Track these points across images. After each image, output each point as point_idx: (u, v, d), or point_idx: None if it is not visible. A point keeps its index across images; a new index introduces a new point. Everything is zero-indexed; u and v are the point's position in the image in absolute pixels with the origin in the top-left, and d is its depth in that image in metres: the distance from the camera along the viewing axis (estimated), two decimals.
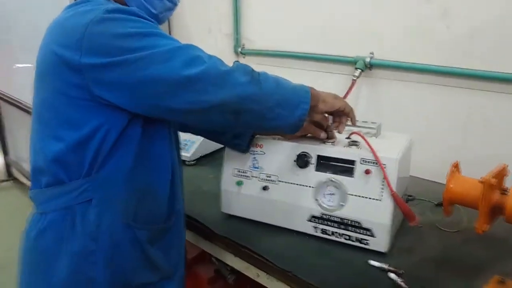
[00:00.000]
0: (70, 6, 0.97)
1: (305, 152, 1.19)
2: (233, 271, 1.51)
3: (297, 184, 1.20)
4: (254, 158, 1.26)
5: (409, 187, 1.41)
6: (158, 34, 0.91)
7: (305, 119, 1.04)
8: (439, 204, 1.38)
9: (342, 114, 1.13)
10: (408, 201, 1.32)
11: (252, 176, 1.26)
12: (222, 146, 1.67)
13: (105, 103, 0.91)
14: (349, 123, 1.16)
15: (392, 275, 1.03)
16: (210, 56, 0.93)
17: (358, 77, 1.74)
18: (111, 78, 0.88)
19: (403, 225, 1.24)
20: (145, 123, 0.99)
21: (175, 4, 1.09)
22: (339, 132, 1.16)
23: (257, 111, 0.98)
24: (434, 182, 1.55)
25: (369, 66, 1.73)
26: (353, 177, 1.13)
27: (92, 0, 0.96)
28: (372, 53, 1.73)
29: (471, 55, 1.48)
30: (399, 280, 1.01)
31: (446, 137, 1.58)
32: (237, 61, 0.95)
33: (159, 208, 1.08)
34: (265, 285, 1.19)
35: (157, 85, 0.89)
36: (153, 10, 1.04)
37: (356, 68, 1.74)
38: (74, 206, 0.97)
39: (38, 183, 1.02)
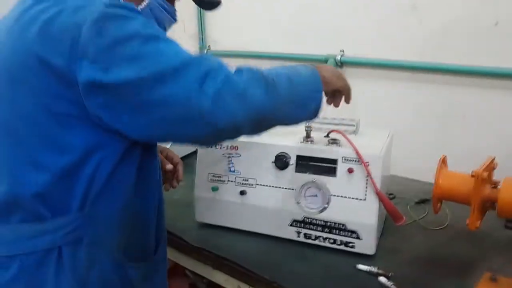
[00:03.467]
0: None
1: (284, 153, 1.12)
2: (210, 284, 1.43)
3: (276, 187, 1.13)
4: (230, 161, 1.18)
5: (391, 186, 1.38)
6: (159, 38, 0.75)
7: (320, 110, 0.94)
8: (420, 202, 1.35)
9: (338, 95, 1.06)
10: (391, 200, 1.28)
11: (228, 181, 1.18)
12: (193, 151, 1.59)
13: (100, 123, 0.75)
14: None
15: (381, 279, 0.98)
16: (219, 68, 0.76)
17: None
18: (108, 99, 0.72)
19: (386, 225, 1.20)
20: (144, 146, 0.86)
21: (175, 21, 0.98)
22: (335, 106, 1.07)
23: (278, 118, 0.88)
24: (413, 179, 1.53)
25: (339, 64, 1.69)
26: (335, 176, 1.07)
27: None
28: (342, 51, 1.69)
29: (444, 49, 1.47)
30: (389, 284, 0.96)
31: (423, 133, 1.56)
32: (240, 68, 0.81)
33: (148, 240, 0.95)
34: None
35: (161, 111, 0.73)
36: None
37: None
38: (60, 247, 0.79)
39: (5, 218, 0.80)
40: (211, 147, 1.18)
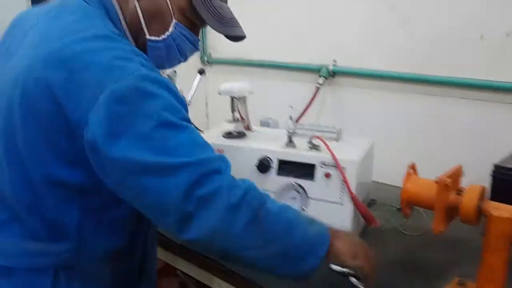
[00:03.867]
0: (88, 38, 0.76)
1: (266, 157, 1.17)
2: (199, 284, 1.47)
3: None
4: None
5: (373, 192, 1.42)
6: (178, 126, 0.75)
7: (316, 269, 0.81)
8: (401, 209, 1.38)
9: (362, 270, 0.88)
10: (370, 206, 1.32)
11: None
12: None
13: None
14: None
15: (353, 279, 1.01)
16: (212, 184, 0.74)
17: (322, 84, 1.75)
18: (103, 164, 0.74)
19: (366, 230, 1.24)
20: None
21: (197, 50, 0.97)
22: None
23: (250, 259, 0.79)
24: (397, 187, 1.56)
25: (332, 74, 1.74)
26: (313, 180, 1.12)
27: (115, 36, 0.79)
28: (335, 61, 1.74)
29: (431, 61, 1.51)
30: (359, 285, 0.99)
31: (408, 142, 1.60)
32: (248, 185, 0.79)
33: (131, 269, 0.97)
34: None
35: (151, 199, 0.74)
36: (181, 59, 0.93)
37: (320, 76, 1.75)
38: (55, 269, 0.83)
39: (10, 233, 0.84)
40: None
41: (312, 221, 0.83)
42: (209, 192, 0.73)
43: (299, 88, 1.85)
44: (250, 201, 0.76)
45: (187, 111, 0.79)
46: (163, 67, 0.97)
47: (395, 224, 1.29)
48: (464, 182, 0.97)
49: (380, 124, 1.66)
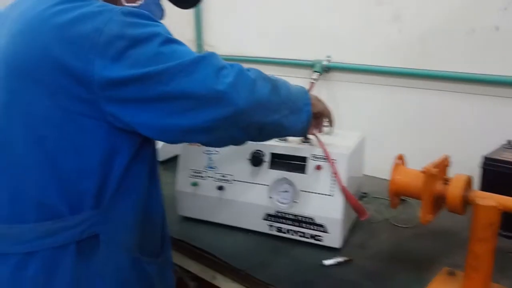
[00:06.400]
0: (57, 2, 0.78)
1: (259, 151, 1.19)
2: (196, 278, 1.49)
3: (251, 183, 1.20)
4: (209, 158, 1.25)
5: (366, 186, 1.44)
6: (176, 41, 0.81)
7: (311, 120, 1.02)
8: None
9: (319, 116, 1.11)
10: (362, 199, 1.34)
11: (207, 177, 1.25)
12: (176, 154, 1.63)
13: (116, 123, 0.79)
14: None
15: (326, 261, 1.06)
16: (232, 64, 0.84)
17: (316, 80, 1.76)
18: (128, 94, 0.76)
19: (358, 223, 1.26)
20: (154, 147, 0.91)
21: (163, 17, 1.03)
22: (319, 132, 1.14)
23: (277, 121, 0.93)
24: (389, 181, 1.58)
25: (326, 69, 1.76)
26: (305, 173, 1.13)
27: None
28: (329, 56, 1.76)
29: (423, 56, 1.52)
30: (332, 261, 1.05)
31: (401, 136, 1.61)
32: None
33: (155, 235, 0.98)
34: (222, 287, 1.17)
35: (181, 101, 0.78)
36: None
37: (314, 71, 1.76)
38: (78, 242, 0.82)
39: (22, 217, 0.81)
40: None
41: (288, 82, 1.01)
42: (233, 75, 0.81)
43: (293, 83, 1.86)
44: (260, 75, 0.89)
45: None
46: None
47: (387, 216, 1.31)
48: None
49: (373, 118, 1.68)
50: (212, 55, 0.82)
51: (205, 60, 0.80)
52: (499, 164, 1.17)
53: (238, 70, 0.83)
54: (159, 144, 1.75)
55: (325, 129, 1.26)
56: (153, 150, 0.93)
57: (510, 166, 1.15)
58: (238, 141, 0.94)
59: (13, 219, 0.81)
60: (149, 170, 0.90)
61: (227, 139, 0.91)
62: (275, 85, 0.92)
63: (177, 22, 2.26)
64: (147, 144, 0.88)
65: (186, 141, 0.90)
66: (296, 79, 1.86)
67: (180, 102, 0.79)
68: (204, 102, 0.79)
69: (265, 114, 0.89)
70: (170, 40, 0.80)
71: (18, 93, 0.79)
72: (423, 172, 0.89)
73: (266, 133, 0.95)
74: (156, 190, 0.96)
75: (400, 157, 0.99)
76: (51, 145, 0.79)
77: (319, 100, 1.09)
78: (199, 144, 1.25)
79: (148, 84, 0.76)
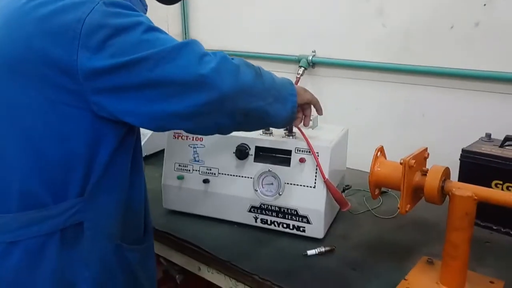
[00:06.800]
0: None
1: (244, 144, 1.21)
2: (182, 271, 1.50)
3: (236, 176, 1.22)
4: (195, 151, 1.26)
5: (349, 178, 1.46)
6: (158, 29, 0.82)
7: (296, 111, 1.03)
8: None
9: (308, 107, 1.12)
10: (345, 191, 1.37)
11: (193, 170, 1.27)
12: (162, 148, 1.64)
13: (100, 112, 0.80)
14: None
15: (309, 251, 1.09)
16: (215, 52, 0.86)
17: (301, 75, 1.78)
18: (113, 82, 0.77)
19: (341, 214, 1.28)
20: (137, 136, 0.92)
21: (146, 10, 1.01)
22: (305, 125, 1.13)
23: (262, 108, 0.94)
24: None
25: (311, 64, 1.78)
26: (289, 166, 1.15)
27: None
28: (314, 52, 1.78)
29: (406, 51, 1.55)
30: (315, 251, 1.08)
31: (385, 130, 1.65)
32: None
33: (138, 223, 1.00)
34: (207, 279, 1.19)
35: (165, 87, 0.79)
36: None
37: (300, 66, 1.78)
38: (62, 230, 0.82)
39: (4, 207, 0.82)
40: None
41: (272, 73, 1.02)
42: (216, 61, 0.82)
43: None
44: (244, 62, 0.91)
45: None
46: None
47: (368, 208, 1.34)
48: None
49: (358, 112, 1.71)
50: (194, 42, 0.83)
51: (188, 46, 0.81)
52: (477, 156, 1.21)
53: (221, 56, 0.85)
54: (145, 138, 1.76)
55: (310, 122, 1.29)
56: (137, 140, 0.94)
57: (488, 159, 1.19)
58: (223, 128, 0.94)
59: None
60: (131, 159, 0.91)
61: (212, 126, 0.91)
62: (258, 72, 0.94)
63: (162, 17, 2.28)
64: (131, 133, 0.89)
65: (171, 128, 0.90)
66: (282, 74, 1.84)
67: (164, 88, 0.79)
68: (188, 87, 0.80)
69: (250, 100, 0.90)
70: (153, 28, 0.81)
71: (2, 86, 0.79)
72: (402, 163, 0.91)
73: (252, 120, 0.95)
74: (139, 179, 0.97)
75: (380, 149, 1.01)
76: (36, 135, 0.79)
77: (305, 91, 1.10)
78: (183, 137, 1.27)
79: (132, 71, 0.77)
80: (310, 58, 1.77)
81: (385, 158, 1.03)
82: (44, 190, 0.81)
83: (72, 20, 0.75)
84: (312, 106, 1.13)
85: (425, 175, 0.94)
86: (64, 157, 0.81)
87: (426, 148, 0.99)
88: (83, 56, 0.75)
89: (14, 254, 0.81)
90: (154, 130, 0.89)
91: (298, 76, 1.78)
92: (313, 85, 1.82)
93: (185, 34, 2.22)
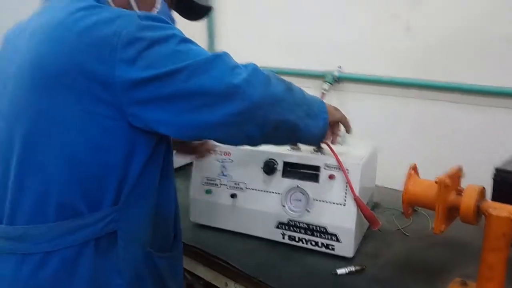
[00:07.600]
0: (75, 10, 0.81)
1: (272, 159, 1.21)
2: (206, 285, 1.50)
3: (264, 191, 1.21)
4: (223, 166, 1.27)
5: (378, 196, 1.44)
6: (191, 41, 0.85)
7: (327, 128, 1.04)
8: None
9: (337, 125, 1.12)
10: (374, 209, 1.35)
11: (221, 184, 1.27)
12: (190, 162, 1.65)
13: (135, 122, 0.82)
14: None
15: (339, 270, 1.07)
16: (245, 64, 0.88)
17: (327, 90, 1.78)
18: (149, 93, 0.79)
19: (370, 233, 1.26)
20: (166, 147, 0.94)
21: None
22: (333, 143, 1.14)
23: (293, 122, 0.95)
24: (401, 191, 1.57)
25: (337, 80, 1.78)
26: (318, 182, 1.15)
27: (105, 5, 0.84)
28: (340, 67, 1.78)
29: (434, 67, 1.54)
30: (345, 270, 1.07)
31: (412, 147, 1.63)
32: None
33: (167, 230, 1.01)
34: None
35: (198, 97, 0.81)
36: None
37: (325, 82, 1.78)
38: (97, 239, 0.84)
39: (42, 218, 0.83)
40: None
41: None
42: (247, 71, 0.84)
43: None
44: (274, 75, 0.92)
45: None
46: None
47: (398, 226, 1.32)
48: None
49: (384, 129, 1.69)
50: (225, 54, 0.85)
51: (220, 57, 0.83)
52: (511, 175, 1.17)
53: (252, 68, 0.86)
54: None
55: (338, 138, 1.28)
56: (167, 149, 0.96)
57: None
58: (253, 139, 0.94)
59: (33, 220, 0.83)
60: (162, 168, 0.93)
61: (242, 136, 0.91)
62: (289, 86, 0.95)
63: (188, 32, 2.32)
64: (161, 142, 0.91)
65: (203, 138, 0.92)
66: (307, 90, 1.87)
67: (198, 99, 0.81)
68: (220, 97, 0.82)
69: (280, 111, 0.91)
70: (186, 40, 0.83)
71: (42, 98, 0.81)
72: (437, 182, 0.90)
73: (281, 133, 0.95)
74: (169, 187, 0.99)
75: (414, 167, 1.00)
76: (74, 147, 0.81)
77: (336, 109, 1.10)
78: (211, 151, 1.27)
79: (167, 82, 0.79)
80: (335, 73, 1.77)
81: (418, 176, 1.01)
82: (80, 200, 0.83)
83: (109, 33, 0.77)
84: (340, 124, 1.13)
85: (460, 194, 0.92)
86: (100, 167, 0.83)
87: (461, 167, 0.97)
88: (120, 68, 0.77)
89: (50, 263, 0.82)
90: (186, 139, 0.90)
91: (324, 91, 1.78)
92: (338, 100, 1.82)
93: (211, 49, 2.25)
